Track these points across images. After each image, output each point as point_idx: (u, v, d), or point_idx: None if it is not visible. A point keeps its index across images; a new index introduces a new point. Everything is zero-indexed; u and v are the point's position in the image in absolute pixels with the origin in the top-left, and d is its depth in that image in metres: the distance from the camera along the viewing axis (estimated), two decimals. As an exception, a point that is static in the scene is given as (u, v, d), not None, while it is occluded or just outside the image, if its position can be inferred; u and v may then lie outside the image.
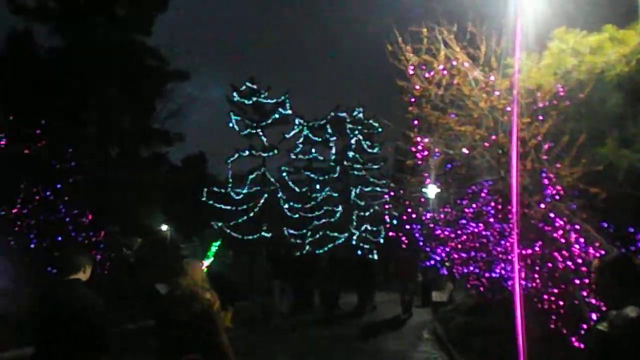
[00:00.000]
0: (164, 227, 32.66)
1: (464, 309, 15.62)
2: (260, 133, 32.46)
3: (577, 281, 8.46)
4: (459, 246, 12.41)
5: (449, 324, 14.42)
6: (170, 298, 4.86)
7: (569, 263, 8.25)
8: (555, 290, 9.06)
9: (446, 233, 12.50)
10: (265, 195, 31.72)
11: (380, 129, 33.45)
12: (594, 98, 8.91)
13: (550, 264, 9.19)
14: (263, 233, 30.66)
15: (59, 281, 4.79)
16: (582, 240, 8.10)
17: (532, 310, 9.14)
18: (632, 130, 8.95)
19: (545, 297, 9.14)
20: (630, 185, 9.05)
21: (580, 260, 8.42)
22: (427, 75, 9.45)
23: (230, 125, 31.87)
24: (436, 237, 13.21)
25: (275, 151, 32.68)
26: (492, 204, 9.90)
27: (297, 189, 33.23)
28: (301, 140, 34.28)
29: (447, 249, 13.20)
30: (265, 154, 32.52)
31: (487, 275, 12.60)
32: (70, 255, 4.93)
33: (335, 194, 34.38)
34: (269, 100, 32.71)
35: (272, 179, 32.63)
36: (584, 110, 9.09)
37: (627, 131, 8.98)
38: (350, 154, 35.03)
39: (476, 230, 11.15)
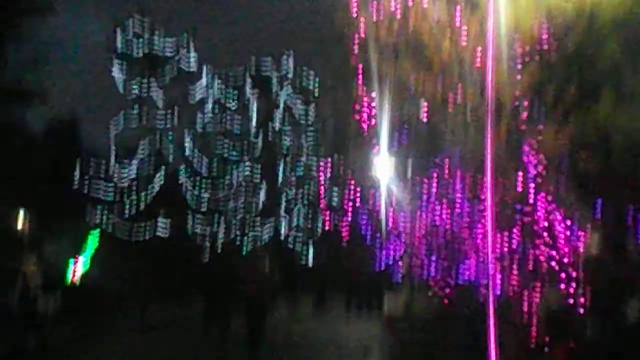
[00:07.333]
0: (19, 215, 31.84)
1: (424, 323, 16.08)
2: (155, 87, 32.12)
3: (564, 279, 8.95)
4: (418, 239, 12.69)
5: (405, 341, 14.92)
6: None
7: (553, 253, 8.69)
8: (538, 294, 9.51)
9: (402, 222, 12.75)
10: (163, 172, 31.52)
11: (317, 83, 33.73)
12: (585, 45, 9.34)
13: (531, 260, 9.64)
14: (161, 228, 30.50)
15: None
16: (568, 223, 8.54)
17: (511, 321, 9.56)
18: (631, 84, 9.45)
19: (526, 302, 9.57)
20: (630, 155, 9.58)
21: (566, 251, 8.90)
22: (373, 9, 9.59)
23: (112, 76, 31.35)
24: (389, 228, 13.48)
25: (176, 112, 32.43)
26: (461, 180, 10.22)
27: (205, 163, 33.17)
28: (211, 97, 34.11)
29: (404, 243, 13.48)
30: (162, 116, 32.24)
31: (454, 277, 12.96)
32: None
33: (257, 169, 34.53)
34: (166, 42, 32.32)
35: (171, 150, 32.43)
36: (573, 60, 9.52)
37: (626, 86, 9.47)
38: (278, 116, 35.18)
39: (441, 216, 11.42)
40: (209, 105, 34.23)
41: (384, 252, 14.54)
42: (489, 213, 8.64)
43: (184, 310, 21.72)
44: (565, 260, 9.42)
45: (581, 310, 8.63)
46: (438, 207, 11.04)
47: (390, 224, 13.02)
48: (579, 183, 9.54)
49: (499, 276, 9.61)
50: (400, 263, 14.98)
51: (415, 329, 15.94)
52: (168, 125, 32.62)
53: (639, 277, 9.39)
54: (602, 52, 9.28)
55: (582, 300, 9.10)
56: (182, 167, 32.29)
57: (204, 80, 33.49)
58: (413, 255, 13.23)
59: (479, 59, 9.07)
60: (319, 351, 16.24)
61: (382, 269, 17.02)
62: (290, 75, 35.53)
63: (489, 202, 8.30)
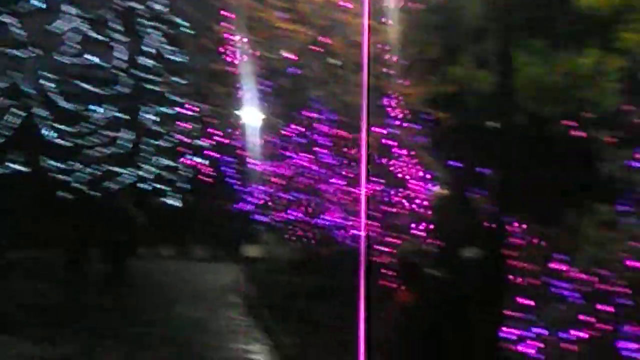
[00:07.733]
0: None
1: (286, 267, 16.46)
2: (13, 22, 30.71)
3: (417, 227, 9.47)
4: (283, 185, 12.93)
5: (265, 284, 15.35)
6: None
7: (406, 204, 9.17)
8: (396, 241, 10.01)
9: (268, 168, 12.94)
10: (19, 113, 30.39)
11: (193, 32, 33.19)
12: (452, 5, 9.79)
13: (389, 208, 10.11)
14: (14, 165, 29.51)
15: None
16: (423, 175, 9.03)
17: (371, 265, 10.03)
18: (491, 48, 10.01)
19: (385, 248, 10.05)
20: (484, 115, 10.19)
21: (421, 201, 9.43)
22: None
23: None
24: (254, 174, 13.65)
25: (37, 51, 31.21)
26: (325, 129, 10.51)
27: (65, 106, 32.19)
28: (74, 37, 33.02)
29: (269, 190, 13.70)
30: (19, 53, 30.95)
31: (316, 222, 13.33)
32: None
33: (121, 115, 33.83)
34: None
35: (28, 90, 31.27)
36: (439, 19, 9.96)
37: (486, 49, 10.02)
38: (147, 61, 34.47)
39: (304, 164, 11.69)
40: (71, 43, 33.21)
41: (248, 198, 14.74)
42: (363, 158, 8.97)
43: (44, 251, 21.30)
44: (420, 210, 9.96)
45: (430, 257, 9.15)
46: (304, 155, 11.29)
47: (255, 170, 13.20)
48: (435, 138, 10.04)
49: (358, 223, 10.00)
50: (264, 208, 15.27)
51: (276, 272, 16.37)
52: (26, 59, 31.49)
53: (479, 227, 10.07)
54: (466, 15, 9.75)
55: (432, 247, 9.64)
56: (40, 104, 31.25)
57: (66, 18, 32.40)
58: (277, 200, 13.51)
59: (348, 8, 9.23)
60: (179, 292, 16.48)
61: (246, 214, 17.31)
62: (157, 18, 34.88)
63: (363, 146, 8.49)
